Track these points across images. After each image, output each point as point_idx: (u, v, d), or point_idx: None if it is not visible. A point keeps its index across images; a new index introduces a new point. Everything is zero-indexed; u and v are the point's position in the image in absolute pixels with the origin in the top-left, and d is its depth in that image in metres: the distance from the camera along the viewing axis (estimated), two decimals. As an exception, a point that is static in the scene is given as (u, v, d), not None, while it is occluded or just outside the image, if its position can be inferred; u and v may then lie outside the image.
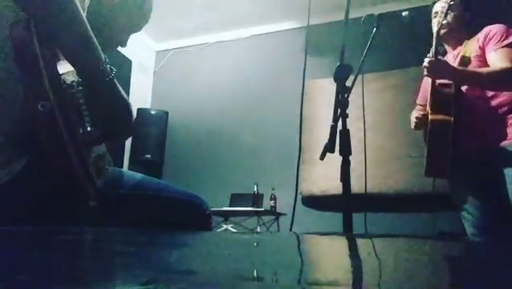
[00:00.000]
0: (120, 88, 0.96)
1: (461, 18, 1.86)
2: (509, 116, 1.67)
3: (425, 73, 1.76)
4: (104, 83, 0.90)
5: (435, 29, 1.80)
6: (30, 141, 0.81)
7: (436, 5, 1.89)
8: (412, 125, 1.95)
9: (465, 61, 1.78)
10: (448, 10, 1.76)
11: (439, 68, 1.72)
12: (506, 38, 1.69)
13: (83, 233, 0.84)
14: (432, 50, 1.76)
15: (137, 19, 1.14)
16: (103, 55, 0.89)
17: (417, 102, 2.05)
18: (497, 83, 1.67)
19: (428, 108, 1.84)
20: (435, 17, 1.89)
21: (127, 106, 0.99)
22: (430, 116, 1.79)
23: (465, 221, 1.78)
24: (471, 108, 1.74)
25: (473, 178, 1.74)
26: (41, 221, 0.87)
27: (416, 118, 1.90)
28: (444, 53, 1.92)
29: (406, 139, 3.55)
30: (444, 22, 1.77)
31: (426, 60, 1.73)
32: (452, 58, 1.88)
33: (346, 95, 1.34)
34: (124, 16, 1.09)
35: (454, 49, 1.90)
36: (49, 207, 0.87)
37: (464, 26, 1.87)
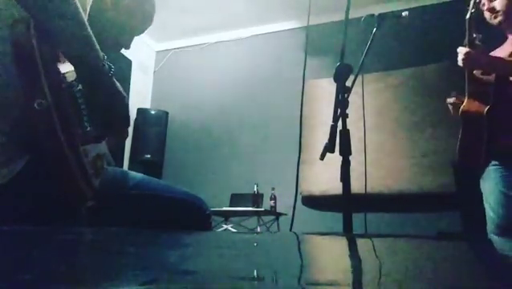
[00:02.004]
0: (119, 85, 0.96)
1: (509, 3, 1.69)
2: None
3: (460, 64, 1.65)
4: (103, 82, 0.90)
5: (467, 16, 1.66)
6: (31, 141, 0.82)
7: None
8: (449, 106, 1.82)
9: None
10: None
11: (474, 58, 1.62)
12: None
13: (83, 233, 0.84)
14: (466, 39, 1.65)
15: (140, 21, 1.15)
16: (101, 54, 0.89)
17: None
18: None
19: (465, 98, 1.73)
20: (484, 8, 1.75)
21: (125, 103, 1.00)
22: (463, 106, 1.69)
23: (488, 218, 1.66)
24: (509, 101, 1.60)
25: (504, 175, 1.62)
26: (41, 221, 0.87)
27: (451, 103, 1.79)
28: (483, 40, 1.75)
29: (406, 139, 3.56)
30: (473, 10, 1.65)
31: (461, 50, 1.63)
32: (509, 45, 1.74)
33: (346, 95, 1.34)
34: (127, 18, 1.09)
35: None
36: (48, 207, 0.87)
37: None
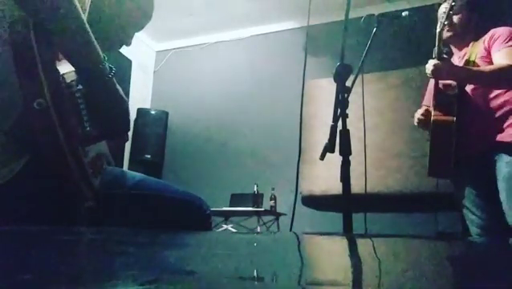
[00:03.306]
0: (119, 87, 0.96)
1: (466, 19, 1.85)
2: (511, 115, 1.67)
3: (429, 75, 1.76)
4: (103, 82, 0.90)
5: (438, 30, 1.78)
6: (31, 141, 0.82)
7: (442, 6, 1.87)
8: (415, 122, 1.95)
9: (469, 64, 1.78)
10: (450, 10, 1.75)
11: (443, 69, 1.73)
12: (511, 39, 1.69)
13: (83, 233, 0.84)
14: (435, 51, 1.76)
15: (139, 17, 1.15)
16: (102, 54, 0.89)
17: (423, 103, 2.04)
18: (499, 80, 1.67)
19: (431, 109, 1.84)
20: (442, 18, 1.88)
21: (124, 105, 0.99)
22: (433, 117, 1.79)
23: (469, 221, 1.77)
24: (474, 109, 1.74)
25: (476, 178, 1.74)
26: (41, 221, 0.87)
27: (419, 119, 1.90)
28: (449, 54, 1.92)
29: (406, 139, 3.55)
30: (446, 22, 1.76)
31: (430, 62, 1.74)
32: (458, 59, 1.88)
33: (346, 95, 1.34)
34: (126, 15, 1.09)
35: (460, 50, 1.90)
36: (48, 207, 0.87)
37: (470, 28, 1.86)
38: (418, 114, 1.92)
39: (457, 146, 1.72)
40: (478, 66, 1.75)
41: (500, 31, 1.75)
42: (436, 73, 1.73)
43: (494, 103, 1.71)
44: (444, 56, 1.77)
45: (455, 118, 1.73)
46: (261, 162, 4.10)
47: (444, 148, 1.75)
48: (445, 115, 1.76)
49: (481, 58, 1.76)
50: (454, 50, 1.94)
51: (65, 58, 0.87)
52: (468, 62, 1.80)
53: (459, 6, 1.80)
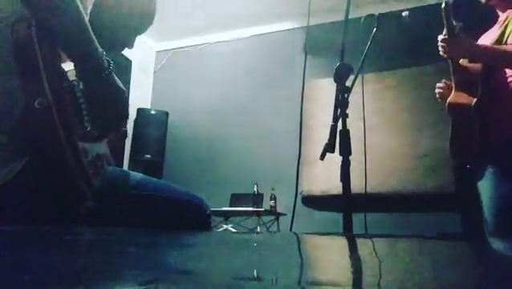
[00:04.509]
0: (118, 81, 0.97)
1: None
2: None
3: (441, 53, 1.58)
4: (103, 77, 0.91)
5: (442, 4, 1.54)
6: (31, 141, 0.82)
7: None
8: (437, 96, 1.74)
9: (504, 36, 1.54)
10: None
11: (455, 46, 1.54)
12: None
13: (83, 233, 0.84)
14: (445, 28, 1.55)
15: (142, 21, 1.15)
16: (100, 50, 0.90)
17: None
18: None
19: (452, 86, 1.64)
20: None
21: (124, 97, 1.00)
22: (450, 97, 1.61)
23: (485, 219, 1.59)
24: (501, 88, 1.52)
25: (499, 165, 1.54)
26: (41, 221, 0.87)
27: (438, 92, 1.71)
28: (463, 29, 1.62)
29: (406, 139, 3.56)
30: None
31: (440, 38, 1.56)
32: (497, 27, 1.64)
33: (346, 95, 1.34)
34: (128, 18, 1.10)
35: (504, 12, 1.63)
36: (48, 207, 0.87)
37: None
38: (437, 87, 1.72)
39: (482, 131, 1.52)
40: None
41: None
42: (449, 51, 1.54)
43: None
44: (457, 32, 1.53)
45: (474, 101, 1.51)
46: (261, 162, 4.10)
47: (465, 132, 1.58)
48: (466, 97, 1.55)
49: None
50: (500, 13, 1.66)
51: (65, 54, 0.88)
52: (504, 31, 1.54)
53: None
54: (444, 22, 1.53)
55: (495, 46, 1.53)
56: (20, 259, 0.44)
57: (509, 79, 1.52)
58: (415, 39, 3.70)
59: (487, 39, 1.66)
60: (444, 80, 1.73)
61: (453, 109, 1.62)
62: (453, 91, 1.63)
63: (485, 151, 1.55)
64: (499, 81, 1.53)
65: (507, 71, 1.53)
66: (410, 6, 3.67)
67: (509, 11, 1.59)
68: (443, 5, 1.53)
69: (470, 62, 1.60)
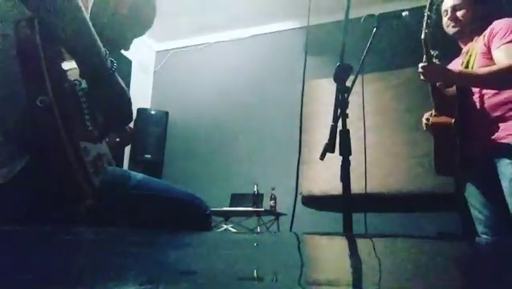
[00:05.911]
0: (120, 80, 0.97)
1: (471, 13, 1.78)
2: None
3: (421, 78, 1.73)
4: (105, 77, 0.91)
5: (422, 36, 1.71)
6: (32, 141, 0.82)
7: (444, 2, 1.82)
8: (424, 127, 1.91)
9: (469, 63, 1.74)
10: (428, 10, 1.70)
11: (433, 72, 1.70)
12: (511, 33, 1.61)
13: (83, 233, 0.84)
14: (424, 57, 1.72)
15: (141, 24, 1.15)
16: (103, 49, 0.90)
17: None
18: (496, 83, 1.62)
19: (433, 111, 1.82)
20: (445, 15, 1.84)
21: (127, 100, 1.00)
22: (432, 119, 1.78)
23: (476, 220, 1.75)
24: (474, 107, 1.70)
25: (482, 177, 1.72)
26: (41, 221, 0.87)
27: (424, 124, 1.87)
28: (441, 57, 1.82)
29: (406, 139, 3.56)
30: (427, 30, 1.70)
31: (419, 65, 1.72)
32: (462, 56, 1.83)
33: (346, 95, 1.34)
34: (128, 21, 1.10)
35: (465, 45, 1.84)
36: (49, 207, 0.87)
37: (476, 21, 1.77)
38: (424, 118, 1.88)
39: (462, 147, 1.69)
40: (480, 62, 1.68)
41: (499, 25, 1.67)
42: (427, 76, 1.71)
43: (496, 100, 1.65)
44: (435, 60, 1.72)
45: (453, 120, 1.70)
46: (261, 162, 4.10)
47: (447, 149, 1.73)
48: (445, 116, 1.74)
49: (481, 54, 1.70)
50: (462, 46, 1.87)
51: (69, 54, 0.88)
52: (468, 60, 1.75)
53: (462, 0, 1.76)
54: (424, 51, 1.70)
55: (467, 70, 1.73)
56: (20, 259, 0.44)
57: (482, 99, 1.69)
58: (415, 39, 3.70)
59: (454, 66, 1.85)
60: (430, 112, 1.91)
61: (435, 128, 1.79)
62: (433, 114, 1.81)
63: (467, 166, 1.73)
64: (472, 102, 1.72)
65: (479, 91, 1.70)
66: (410, 6, 3.67)
67: (469, 44, 1.81)
68: (422, 36, 1.71)
69: (446, 87, 1.77)
